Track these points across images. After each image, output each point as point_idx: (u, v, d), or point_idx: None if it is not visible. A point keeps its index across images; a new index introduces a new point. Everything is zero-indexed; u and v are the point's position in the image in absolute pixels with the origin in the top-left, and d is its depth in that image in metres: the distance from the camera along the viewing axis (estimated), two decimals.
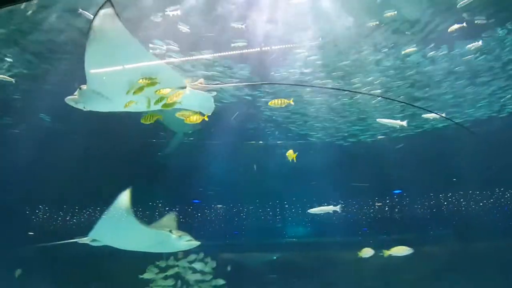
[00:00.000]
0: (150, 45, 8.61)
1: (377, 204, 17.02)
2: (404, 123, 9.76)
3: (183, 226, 16.65)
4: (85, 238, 8.89)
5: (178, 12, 7.83)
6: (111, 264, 13.08)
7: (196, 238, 12.73)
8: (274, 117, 13.56)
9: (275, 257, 14.67)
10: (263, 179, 15.52)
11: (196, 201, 17.03)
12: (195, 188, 16.26)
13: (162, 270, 13.03)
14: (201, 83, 5.99)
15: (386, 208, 16.92)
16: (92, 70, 5.29)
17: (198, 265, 12.70)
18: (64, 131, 13.02)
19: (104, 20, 4.82)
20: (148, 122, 5.92)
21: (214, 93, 6.07)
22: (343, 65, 10.31)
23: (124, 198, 8.33)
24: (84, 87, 5.62)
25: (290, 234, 17.04)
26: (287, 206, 17.11)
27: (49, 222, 16.21)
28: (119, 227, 8.49)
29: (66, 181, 13.92)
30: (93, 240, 8.86)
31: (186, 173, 15.01)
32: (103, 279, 13.61)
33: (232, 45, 8.90)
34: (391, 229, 15.94)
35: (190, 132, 14.35)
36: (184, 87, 5.75)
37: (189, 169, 15.10)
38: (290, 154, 8.53)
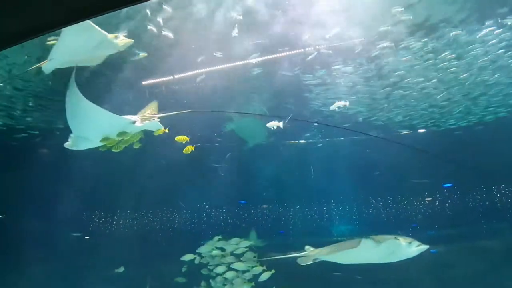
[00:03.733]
0: None
1: (427, 199, 16.65)
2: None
3: (231, 226, 17.14)
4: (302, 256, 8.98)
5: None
6: None
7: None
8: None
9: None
10: (309, 178, 15.57)
11: (243, 202, 17.32)
12: (242, 189, 16.55)
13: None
14: (149, 112, 7.73)
15: (436, 203, 16.51)
16: (71, 126, 7.27)
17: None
18: None
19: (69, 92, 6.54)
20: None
21: (158, 119, 7.60)
22: None
23: None
24: (72, 135, 7.54)
25: (338, 233, 16.95)
26: (334, 204, 17.09)
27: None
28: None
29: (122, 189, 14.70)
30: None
31: (233, 175, 15.30)
32: None
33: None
34: (442, 224, 15.54)
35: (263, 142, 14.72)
36: (135, 122, 7.38)
37: (236, 171, 15.37)
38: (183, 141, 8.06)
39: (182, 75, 10.26)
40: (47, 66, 7.13)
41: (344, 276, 13.08)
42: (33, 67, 7.76)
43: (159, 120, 7.58)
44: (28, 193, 14.19)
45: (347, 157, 15.41)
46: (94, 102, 6.91)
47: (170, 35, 8.33)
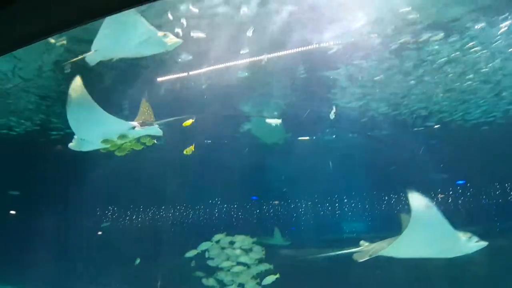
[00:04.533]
0: None
1: (440, 195, 16.51)
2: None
3: (242, 222, 17.15)
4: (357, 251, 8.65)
5: None
6: None
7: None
8: None
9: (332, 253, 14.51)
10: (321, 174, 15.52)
11: (254, 197, 17.29)
12: (255, 185, 16.54)
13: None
14: (146, 116, 7.70)
15: (449, 200, 16.38)
16: (73, 127, 7.22)
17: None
18: None
19: (74, 91, 6.31)
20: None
21: (157, 125, 7.60)
22: None
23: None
24: (76, 136, 7.57)
25: (349, 230, 16.90)
26: (346, 201, 17.03)
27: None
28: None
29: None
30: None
31: (246, 171, 15.28)
32: None
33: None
34: (454, 222, 15.42)
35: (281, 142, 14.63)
36: (134, 127, 7.36)
37: (249, 167, 15.34)
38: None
39: (199, 71, 10.14)
40: (92, 57, 6.93)
41: (362, 272, 13.00)
42: (76, 58, 7.50)
43: (158, 126, 7.60)
44: (65, 191, 14.27)
45: (360, 153, 15.37)
46: (99, 102, 6.79)
47: (201, 34, 8.20)
